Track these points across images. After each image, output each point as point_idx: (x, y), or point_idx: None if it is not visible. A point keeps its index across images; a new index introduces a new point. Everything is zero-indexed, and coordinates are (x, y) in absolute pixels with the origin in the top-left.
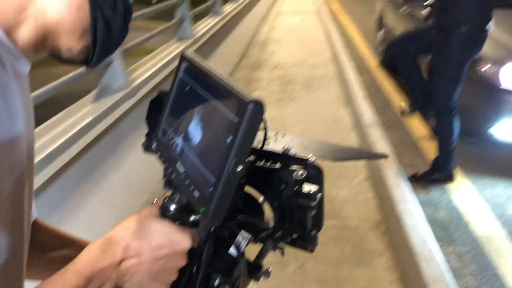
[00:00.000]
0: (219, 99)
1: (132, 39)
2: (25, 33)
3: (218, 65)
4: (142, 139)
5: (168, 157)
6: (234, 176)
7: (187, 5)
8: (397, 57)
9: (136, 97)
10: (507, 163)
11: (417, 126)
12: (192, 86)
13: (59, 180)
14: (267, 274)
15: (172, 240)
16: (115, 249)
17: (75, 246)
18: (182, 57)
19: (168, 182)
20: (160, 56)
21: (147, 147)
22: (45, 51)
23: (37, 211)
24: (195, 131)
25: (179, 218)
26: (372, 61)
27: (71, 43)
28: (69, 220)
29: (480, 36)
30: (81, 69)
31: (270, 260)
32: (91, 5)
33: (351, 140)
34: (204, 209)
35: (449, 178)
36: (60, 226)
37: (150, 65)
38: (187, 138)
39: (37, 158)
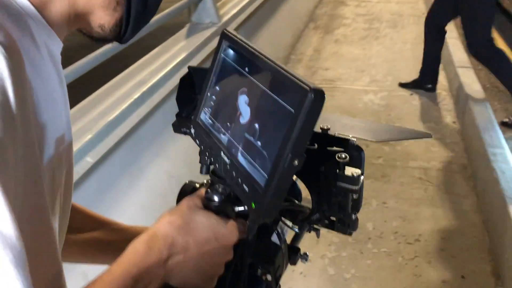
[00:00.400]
0: (273, 87)
1: None
2: (58, 8)
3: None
4: None
5: (209, 145)
6: (290, 171)
7: None
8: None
9: None
10: None
11: None
12: (238, 69)
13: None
14: (304, 257)
15: (218, 234)
16: (161, 246)
17: (107, 228)
18: (223, 34)
19: (207, 168)
20: None
21: (177, 128)
22: (74, 29)
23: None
24: (243, 120)
25: (223, 210)
26: None
27: (104, 18)
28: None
29: None
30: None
31: None
32: None
33: (441, 82)
34: (256, 205)
35: None
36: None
37: (237, 1)
38: (233, 127)
39: (141, 91)
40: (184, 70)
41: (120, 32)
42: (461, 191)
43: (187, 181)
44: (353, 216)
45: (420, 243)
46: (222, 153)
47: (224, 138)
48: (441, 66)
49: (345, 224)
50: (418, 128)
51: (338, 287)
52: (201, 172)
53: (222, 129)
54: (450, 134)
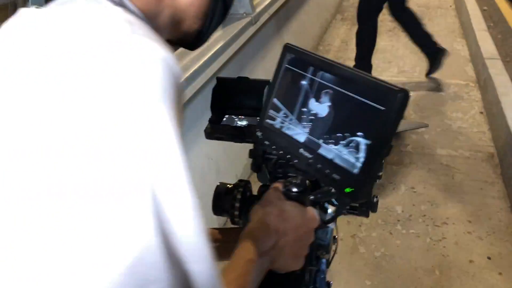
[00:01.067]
0: (355, 89)
1: None
2: (163, 21)
3: None
4: (265, 63)
5: (284, 144)
6: (383, 158)
7: None
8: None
9: (259, 22)
10: None
11: None
12: (309, 77)
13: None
14: (335, 241)
15: (306, 219)
16: (270, 232)
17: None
18: (287, 48)
19: (257, 166)
20: None
21: (210, 135)
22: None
23: None
24: (322, 119)
25: (301, 199)
26: None
27: (192, 26)
28: None
29: None
30: None
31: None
32: None
33: (468, 73)
34: (352, 190)
35: None
36: None
37: None
38: (311, 126)
39: (185, 76)
40: (220, 61)
41: (196, 39)
42: (488, 178)
43: (218, 183)
44: (375, 199)
45: (448, 226)
46: (300, 150)
47: (301, 137)
48: (468, 58)
49: (367, 207)
50: (445, 119)
51: (368, 263)
52: (252, 168)
53: (299, 129)
54: (478, 124)
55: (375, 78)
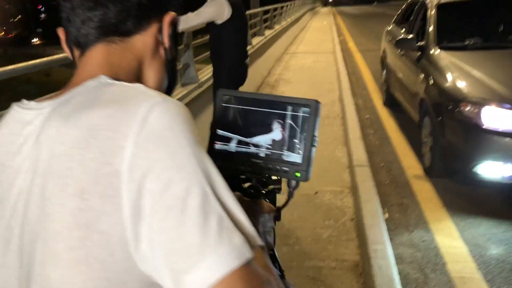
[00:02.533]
0: (281, 108)
1: None
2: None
3: None
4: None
5: (240, 159)
6: (314, 146)
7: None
8: None
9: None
10: (492, 203)
11: (412, 164)
12: (242, 107)
13: None
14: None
15: (269, 208)
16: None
17: None
18: (221, 91)
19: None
20: None
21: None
22: None
23: None
24: (268, 130)
25: (257, 195)
26: (378, 99)
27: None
28: None
29: None
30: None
31: None
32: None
33: (344, 179)
34: (301, 173)
35: None
36: None
37: None
38: (259, 140)
39: None
40: None
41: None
42: None
43: None
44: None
45: None
46: (253, 159)
47: (253, 149)
48: (346, 164)
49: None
50: (317, 228)
51: None
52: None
53: (250, 142)
54: (347, 231)
55: (291, 97)
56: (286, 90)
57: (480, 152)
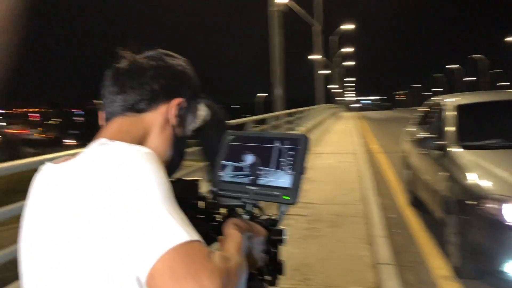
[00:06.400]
0: (275, 142)
1: None
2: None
3: None
4: None
5: (236, 187)
6: (303, 174)
7: None
8: None
9: None
10: None
11: (439, 265)
12: (244, 144)
13: None
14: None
15: (261, 231)
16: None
17: None
18: (228, 133)
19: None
20: None
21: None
22: None
23: None
24: (264, 162)
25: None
26: (402, 199)
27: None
28: None
29: None
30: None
31: None
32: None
33: (368, 279)
34: (289, 197)
35: None
36: None
37: None
38: (256, 169)
39: None
40: None
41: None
42: None
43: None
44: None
45: None
46: (248, 187)
47: (246, 179)
48: (368, 264)
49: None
50: None
51: None
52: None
53: (244, 176)
54: None
55: (282, 133)
56: (310, 188)
57: (506, 250)
